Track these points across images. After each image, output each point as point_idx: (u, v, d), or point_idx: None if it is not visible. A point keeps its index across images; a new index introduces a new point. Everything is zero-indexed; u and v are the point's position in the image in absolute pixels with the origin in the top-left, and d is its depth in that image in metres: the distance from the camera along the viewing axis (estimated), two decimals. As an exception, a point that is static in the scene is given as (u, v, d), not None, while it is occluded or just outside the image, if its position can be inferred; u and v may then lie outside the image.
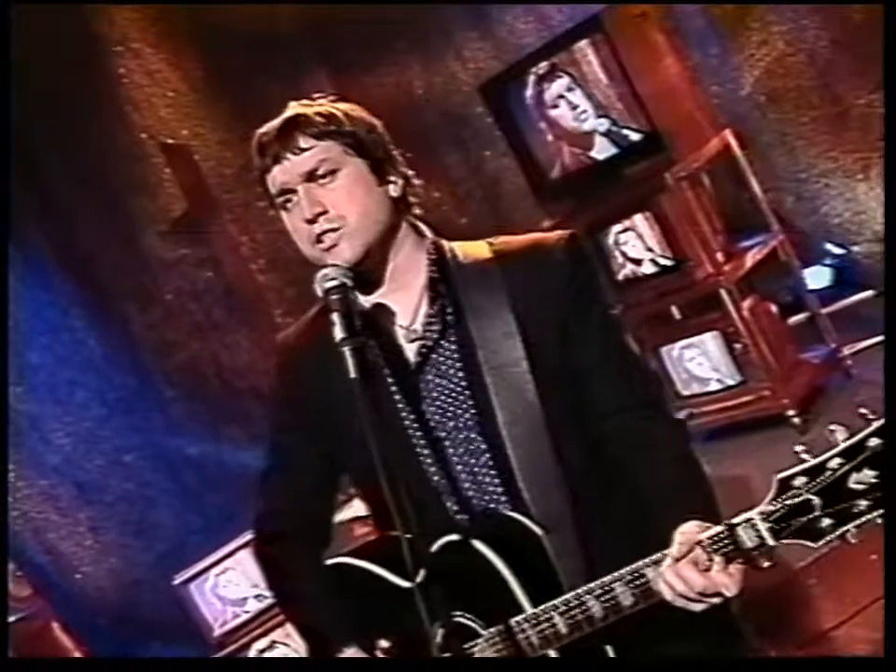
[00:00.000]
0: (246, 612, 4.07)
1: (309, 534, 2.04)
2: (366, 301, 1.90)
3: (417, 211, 1.94)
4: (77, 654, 4.02)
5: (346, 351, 1.73)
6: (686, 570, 1.64)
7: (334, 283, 1.80)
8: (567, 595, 1.76)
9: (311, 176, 1.84)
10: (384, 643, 1.89)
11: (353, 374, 1.71)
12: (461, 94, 5.13)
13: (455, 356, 1.88)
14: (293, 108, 1.88)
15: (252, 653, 4.06)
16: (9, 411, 4.48)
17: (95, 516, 4.70)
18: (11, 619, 3.87)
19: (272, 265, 4.86)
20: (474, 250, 1.93)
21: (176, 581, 4.17)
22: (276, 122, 1.87)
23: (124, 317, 4.92)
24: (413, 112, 5.20)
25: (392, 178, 1.89)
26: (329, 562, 1.99)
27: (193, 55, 5.11)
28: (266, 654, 3.98)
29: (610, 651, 1.82)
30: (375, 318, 1.90)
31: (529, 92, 4.38)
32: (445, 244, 1.94)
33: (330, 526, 2.07)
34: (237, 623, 4.08)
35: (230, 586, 4.08)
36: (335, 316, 1.77)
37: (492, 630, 1.81)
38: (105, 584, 4.67)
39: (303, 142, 1.84)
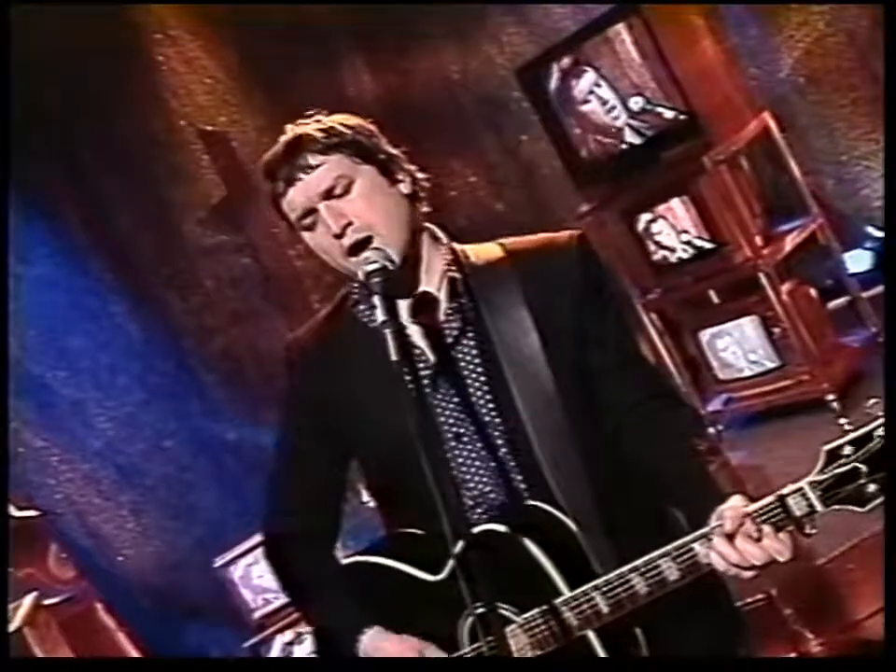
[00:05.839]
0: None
1: (320, 534, 2.03)
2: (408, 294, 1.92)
3: (427, 208, 1.95)
4: (121, 635, 4.06)
5: (388, 334, 1.73)
6: (739, 541, 1.68)
7: (375, 266, 1.81)
8: (609, 575, 1.77)
9: (328, 194, 1.85)
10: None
11: (394, 357, 1.72)
12: (497, 78, 5.08)
13: (475, 352, 1.91)
14: (291, 130, 1.90)
15: (291, 636, 4.08)
16: (52, 395, 4.53)
17: (137, 500, 4.73)
18: (56, 599, 3.91)
19: (309, 251, 4.81)
20: (486, 252, 1.96)
21: (217, 564, 4.23)
22: (279, 146, 1.88)
23: (163, 304, 4.94)
24: (449, 96, 5.13)
25: (400, 177, 1.91)
26: (347, 561, 1.98)
27: (231, 42, 5.10)
28: (305, 636, 4.00)
29: (641, 636, 1.84)
30: (416, 306, 1.92)
31: (559, 94, 4.35)
32: (457, 246, 1.97)
33: (341, 526, 2.07)
34: (277, 606, 4.10)
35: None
36: (376, 299, 1.77)
37: (529, 614, 1.82)
38: (147, 566, 4.71)
39: (312, 159, 1.85)
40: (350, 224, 1.84)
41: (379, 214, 1.85)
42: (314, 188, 1.85)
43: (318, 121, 1.90)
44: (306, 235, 1.90)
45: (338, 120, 1.90)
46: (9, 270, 4.32)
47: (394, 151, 1.93)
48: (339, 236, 1.84)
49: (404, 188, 1.91)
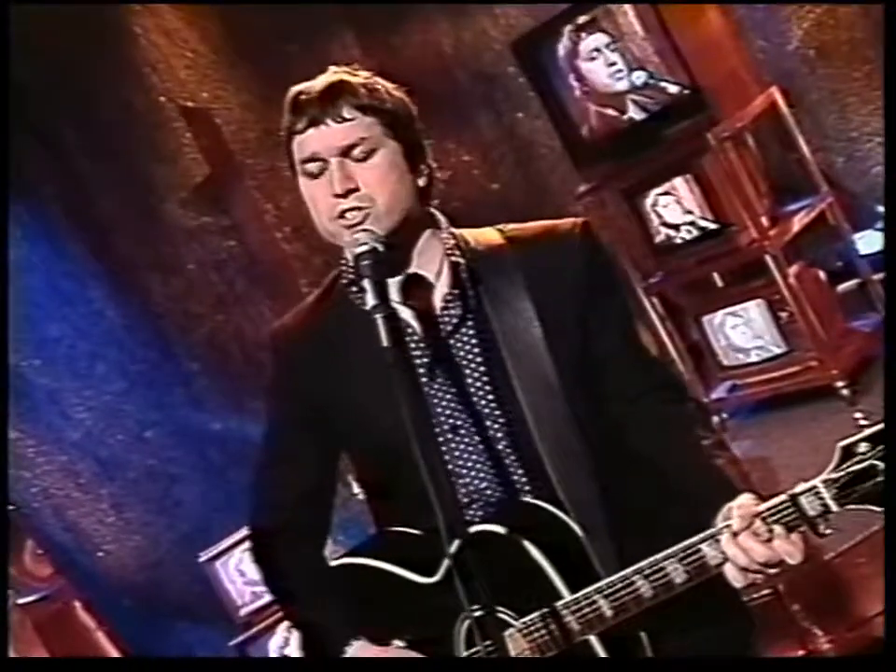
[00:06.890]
0: (273, 591, 4.03)
1: (308, 530, 1.99)
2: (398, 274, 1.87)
3: (432, 208, 1.91)
4: (100, 635, 4.00)
5: (379, 319, 1.69)
6: (748, 542, 1.64)
7: (366, 247, 1.77)
8: (612, 578, 1.73)
9: (347, 152, 1.79)
10: (398, 643, 1.85)
11: (385, 343, 1.68)
12: (492, 52, 5.01)
13: (475, 340, 1.87)
14: (337, 73, 1.83)
15: (279, 633, 4.02)
16: (27, 384, 4.46)
17: (117, 493, 4.66)
18: (31, 598, 3.84)
19: (297, 233, 4.79)
20: (486, 238, 1.92)
21: (201, 559, 4.16)
22: (319, 83, 1.82)
23: (145, 288, 4.87)
24: (442, 72, 5.10)
25: (421, 167, 1.88)
26: (336, 563, 1.94)
27: (213, 13, 5.01)
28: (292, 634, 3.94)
29: (645, 641, 1.80)
30: (409, 289, 1.86)
31: (564, 50, 4.28)
32: (456, 231, 1.92)
33: (330, 522, 2.04)
34: (264, 602, 4.02)
35: (255, 564, 4.04)
36: (366, 283, 1.74)
37: (528, 618, 1.77)
38: (129, 562, 4.65)
39: (347, 112, 1.80)
40: (355, 190, 1.79)
41: (386, 192, 1.80)
42: (337, 139, 1.79)
43: (365, 77, 1.84)
44: (303, 181, 1.84)
45: (384, 85, 1.85)
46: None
47: (424, 141, 1.88)
48: (339, 196, 1.79)
49: (420, 180, 1.86)
